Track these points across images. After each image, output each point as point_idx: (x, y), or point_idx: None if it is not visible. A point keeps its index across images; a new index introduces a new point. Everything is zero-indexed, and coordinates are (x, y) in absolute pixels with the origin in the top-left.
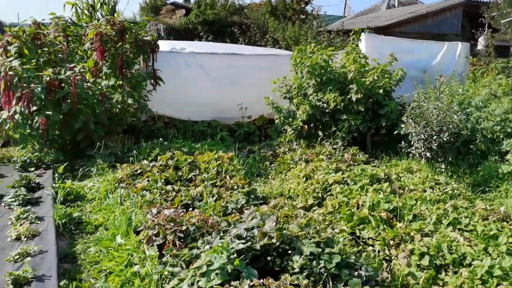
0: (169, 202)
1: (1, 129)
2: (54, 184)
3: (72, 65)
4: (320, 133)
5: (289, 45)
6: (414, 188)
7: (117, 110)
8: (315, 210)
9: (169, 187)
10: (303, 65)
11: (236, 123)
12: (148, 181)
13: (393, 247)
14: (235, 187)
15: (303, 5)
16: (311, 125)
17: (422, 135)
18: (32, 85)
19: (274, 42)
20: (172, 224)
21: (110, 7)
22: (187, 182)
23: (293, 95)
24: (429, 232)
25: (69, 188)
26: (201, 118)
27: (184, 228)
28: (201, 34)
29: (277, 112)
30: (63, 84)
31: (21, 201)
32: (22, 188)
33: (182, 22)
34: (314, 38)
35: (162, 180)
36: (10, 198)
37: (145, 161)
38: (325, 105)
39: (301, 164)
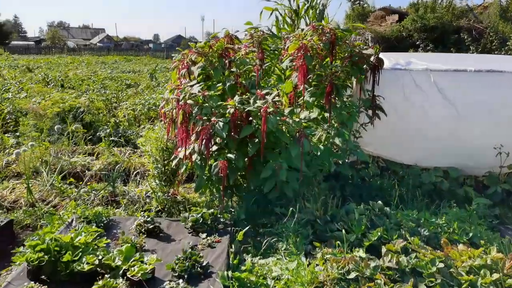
0: None
1: (178, 172)
2: (225, 273)
3: (264, 91)
4: None
5: None
6: None
7: (319, 153)
8: None
9: None
10: None
11: (489, 175)
12: None
13: None
14: None
15: None
16: None
17: None
18: (213, 118)
19: None
20: None
21: (317, 11)
22: None
23: None
24: None
25: (246, 279)
26: (433, 163)
27: None
28: (417, 42)
29: None
30: (251, 118)
31: None
32: (181, 280)
33: (394, 29)
34: None
35: None
36: None
37: (360, 252)
38: None
39: None
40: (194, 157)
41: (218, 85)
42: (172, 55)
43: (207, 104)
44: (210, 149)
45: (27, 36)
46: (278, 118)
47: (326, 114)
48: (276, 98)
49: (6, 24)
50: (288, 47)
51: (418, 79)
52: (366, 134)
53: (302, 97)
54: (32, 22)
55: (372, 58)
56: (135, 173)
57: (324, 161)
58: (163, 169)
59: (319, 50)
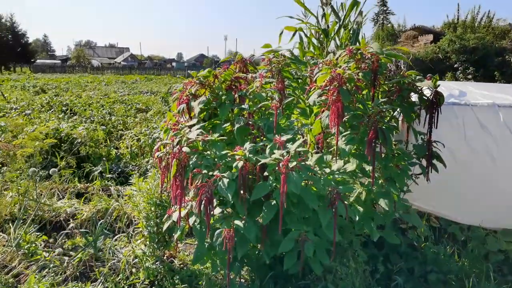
0: None
1: (171, 238)
2: None
3: (285, 137)
4: None
5: None
6: None
7: (357, 217)
8: None
9: None
10: None
11: None
12: None
13: None
14: None
15: None
16: None
17: None
18: (216, 172)
19: None
20: None
21: (351, 31)
22: None
23: None
24: None
25: None
26: (503, 225)
27: None
28: (455, 65)
29: None
30: (266, 173)
31: None
32: None
33: (429, 50)
34: None
35: None
36: None
37: None
38: None
39: None
40: (192, 220)
41: (225, 125)
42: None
43: (208, 152)
44: (212, 212)
45: (55, 55)
46: (303, 176)
47: (367, 166)
48: (301, 148)
49: (33, 43)
50: (316, 77)
51: (483, 117)
52: (415, 185)
53: (330, 136)
54: (61, 41)
55: (426, 92)
56: (128, 223)
57: (364, 227)
58: (155, 228)
59: (356, 82)
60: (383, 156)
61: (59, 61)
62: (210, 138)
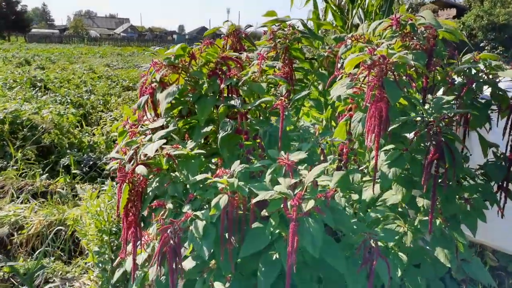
0: None
1: None
2: None
3: (295, 155)
4: None
5: None
6: None
7: (399, 271)
8: None
9: None
10: None
11: None
12: None
13: None
14: None
15: None
16: None
17: None
18: (186, 208)
19: None
20: None
21: None
22: None
23: None
24: None
25: None
26: None
27: None
28: (481, 44)
29: None
30: (266, 213)
31: None
32: None
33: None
34: None
35: None
36: None
37: None
38: None
39: None
40: (153, 273)
41: (207, 128)
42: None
43: (175, 175)
44: (180, 265)
45: (54, 25)
46: (324, 225)
47: (420, 199)
48: (323, 181)
49: (31, 12)
50: (346, 61)
51: None
52: None
53: (360, 144)
54: (61, 10)
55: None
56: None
57: (408, 284)
58: (110, 265)
59: (408, 69)
60: (448, 186)
61: (56, 31)
62: (179, 152)
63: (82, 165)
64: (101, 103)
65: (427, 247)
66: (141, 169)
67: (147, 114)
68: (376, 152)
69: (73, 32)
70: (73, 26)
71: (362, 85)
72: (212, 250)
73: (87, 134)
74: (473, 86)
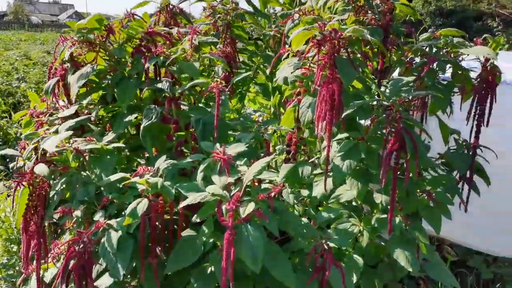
0: None
1: None
2: None
3: (233, 148)
4: None
5: None
6: None
7: (354, 277)
8: None
9: None
10: None
11: None
12: None
13: None
14: None
15: None
16: None
17: None
18: (99, 216)
19: None
20: None
21: None
22: None
23: None
24: None
25: None
26: None
27: None
28: (429, 30)
29: None
30: (198, 219)
31: None
32: None
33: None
34: None
35: None
36: None
37: None
38: None
39: None
40: None
41: (130, 117)
42: None
43: (87, 175)
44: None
45: None
46: (267, 238)
47: (378, 195)
48: (268, 178)
49: None
50: (291, 37)
51: None
52: None
53: (309, 133)
54: None
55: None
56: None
57: None
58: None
59: (363, 46)
60: (409, 179)
61: None
62: (91, 146)
63: (7, 160)
64: (33, 91)
65: (383, 243)
66: (40, 169)
67: (58, 101)
68: (328, 142)
69: (13, 18)
70: (13, 12)
71: (312, 65)
72: (134, 265)
73: (15, 126)
74: (435, 65)
